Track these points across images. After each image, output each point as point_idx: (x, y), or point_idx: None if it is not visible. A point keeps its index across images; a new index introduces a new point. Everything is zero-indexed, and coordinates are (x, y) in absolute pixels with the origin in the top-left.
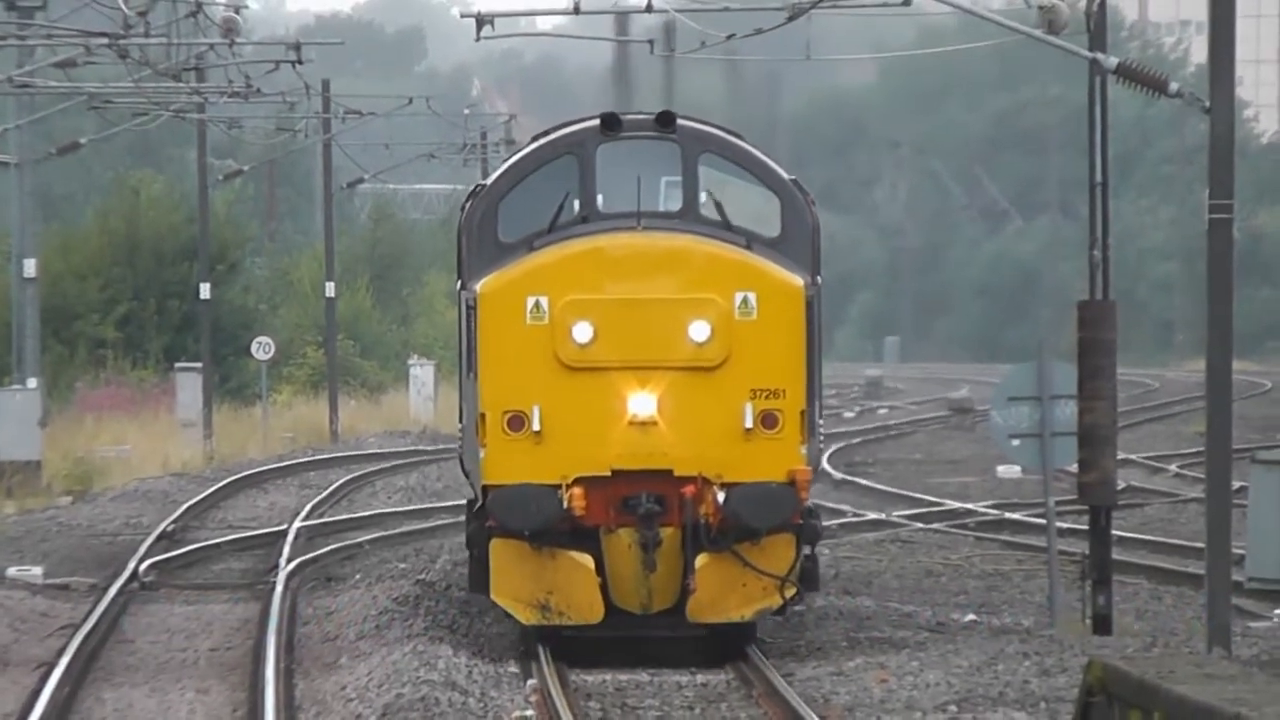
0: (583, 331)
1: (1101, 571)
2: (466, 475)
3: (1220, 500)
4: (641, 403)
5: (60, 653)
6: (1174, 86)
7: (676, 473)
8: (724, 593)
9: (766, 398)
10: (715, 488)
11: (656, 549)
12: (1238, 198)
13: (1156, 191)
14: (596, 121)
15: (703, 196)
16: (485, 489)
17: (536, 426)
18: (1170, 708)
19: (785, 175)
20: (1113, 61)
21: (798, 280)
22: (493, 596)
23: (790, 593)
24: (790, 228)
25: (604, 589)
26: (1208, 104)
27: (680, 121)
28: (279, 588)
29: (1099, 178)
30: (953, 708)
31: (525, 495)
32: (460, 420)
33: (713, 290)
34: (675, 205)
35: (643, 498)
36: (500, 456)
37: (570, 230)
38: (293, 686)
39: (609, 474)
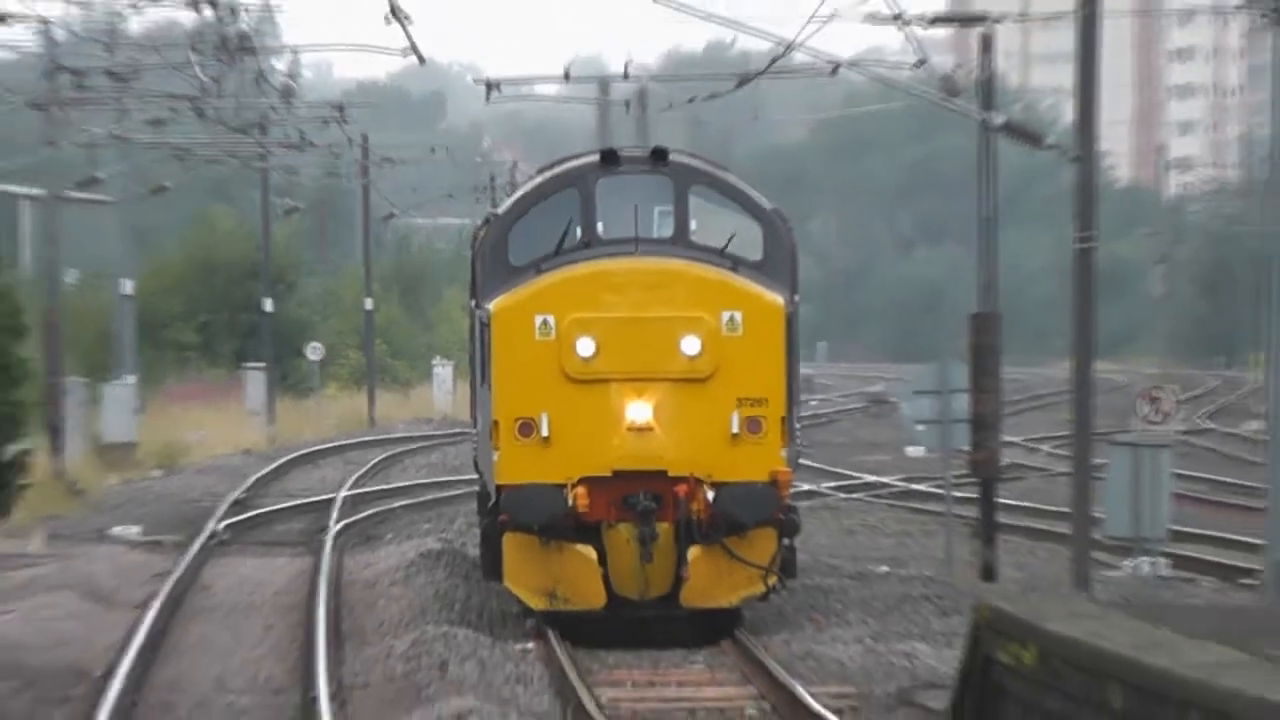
0: (586, 346)
1: (988, 531)
2: (480, 474)
3: (1083, 474)
4: (639, 410)
5: (154, 596)
6: (1049, 141)
7: (670, 473)
8: (713, 581)
9: (751, 406)
10: (705, 487)
11: (653, 542)
12: (1100, 230)
13: (1038, 224)
14: (597, 157)
15: (693, 224)
16: (498, 488)
17: (545, 432)
18: (1043, 641)
19: (767, 204)
20: (998, 120)
21: (779, 299)
22: (505, 584)
23: (772, 581)
24: (771, 252)
25: (605, 578)
26: (1076, 155)
27: (672, 157)
28: (328, 544)
29: (987, 213)
30: (869, 640)
31: (534, 494)
32: (473, 421)
33: (702, 309)
34: (668, 232)
35: (640, 496)
36: (512, 459)
37: (574, 255)
38: (340, 622)
39: (610, 475)
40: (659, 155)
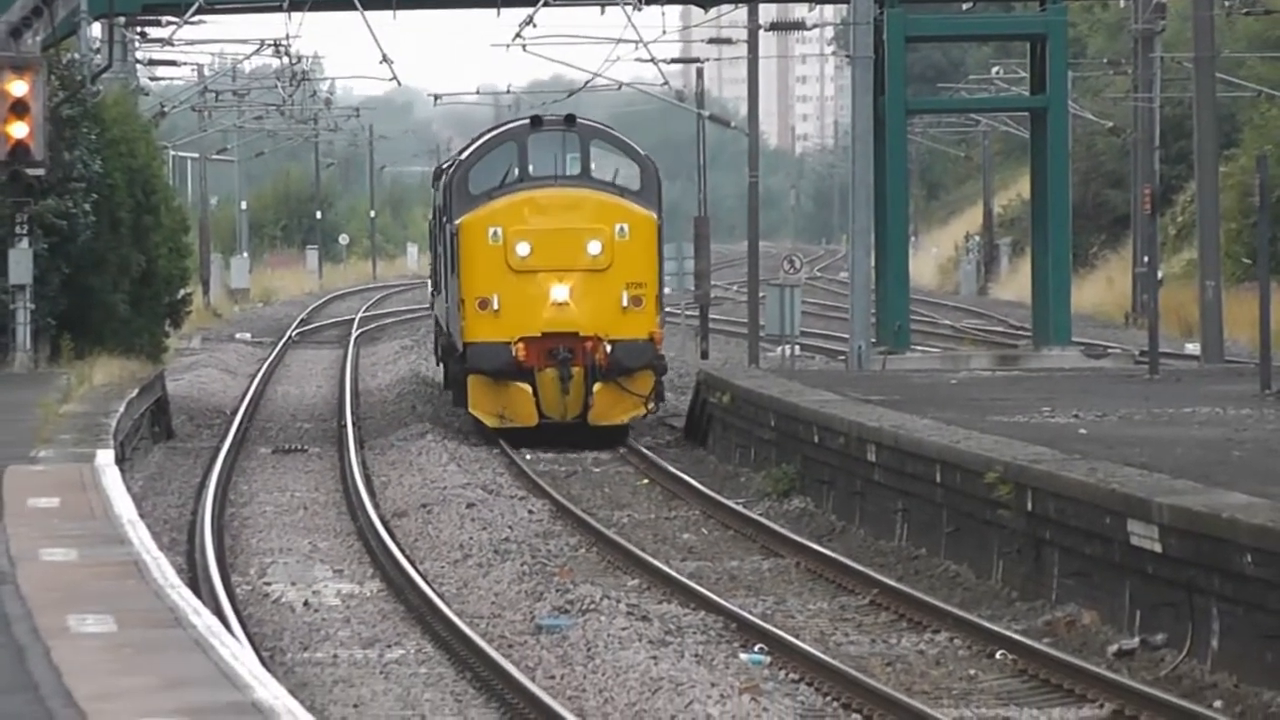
0: (523, 248)
1: (704, 331)
2: (446, 333)
3: (755, 300)
4: (559, 292)
5: (259, 370)
6: (733, 123)
7: (581, 334)
8: (611, 406)
9: (635, 288)
10: (605, 343)
11: (570, 381)
12: (760, 171)
13: (728, 170)
14: (527, 121)
15: (594, 165)
16: (465, 345)
17: (496, 307)
18: (733, 390)
19: (642, 152)
20: (707, 112)
21: (653, 215)
22: (470, 410)
23: (650, 405)
24: (646, 185)
25: (538, 405)
26: (748, 132)
27: (579, 120)
28: (351, 344)
29: (702, 162)
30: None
31: (490, 349)
32: (435, 291)
33: (602, 223)
34: (577, 171)
35: (561, 349)
36: (474, 325)
37: (514, 186)
38: (358, 380)
39: (540, 335)
40: (570, 119)
